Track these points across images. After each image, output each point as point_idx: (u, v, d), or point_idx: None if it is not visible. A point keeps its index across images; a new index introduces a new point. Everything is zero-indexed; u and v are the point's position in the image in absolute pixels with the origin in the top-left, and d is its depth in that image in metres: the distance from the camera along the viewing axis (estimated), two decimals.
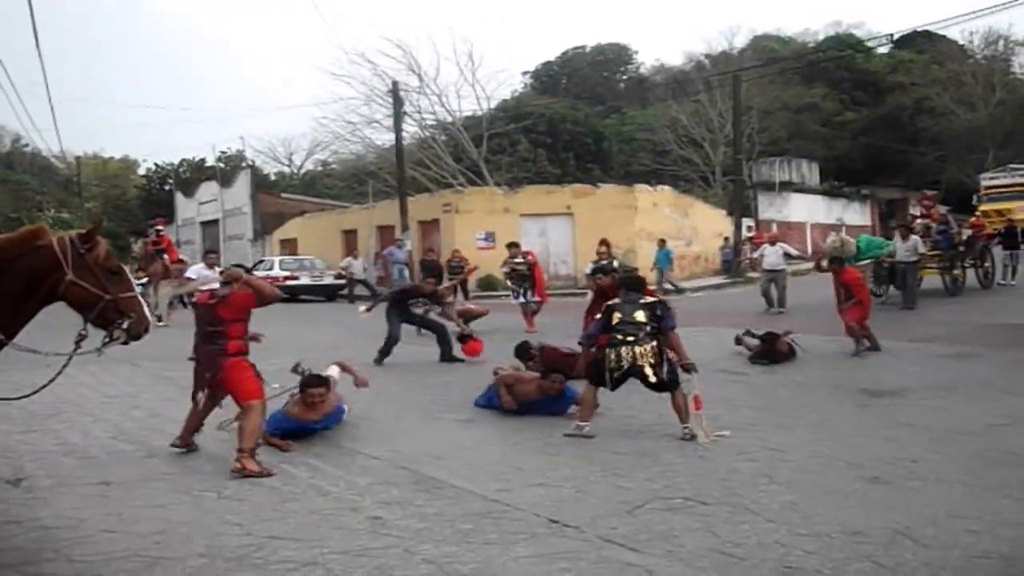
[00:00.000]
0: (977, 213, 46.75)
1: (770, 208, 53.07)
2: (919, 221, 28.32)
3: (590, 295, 19.98)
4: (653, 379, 10.42)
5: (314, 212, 55.81)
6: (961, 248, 27.73)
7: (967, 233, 28.64)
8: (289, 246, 51.87)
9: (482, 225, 39.20)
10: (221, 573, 6.42)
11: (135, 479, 8.93)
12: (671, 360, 10.66)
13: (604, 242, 23.00)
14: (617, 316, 10.76)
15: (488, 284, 35.95)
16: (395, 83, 45.40)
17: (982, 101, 73.71)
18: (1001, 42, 79.50)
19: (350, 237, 47.38)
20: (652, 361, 10.41)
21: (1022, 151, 70.18)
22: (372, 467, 9.36)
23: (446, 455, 9.81)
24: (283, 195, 62.90)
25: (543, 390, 11.89)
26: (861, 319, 16.80)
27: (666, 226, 40.18)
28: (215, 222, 63.36)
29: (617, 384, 10.68)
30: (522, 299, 22.82)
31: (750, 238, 43.97)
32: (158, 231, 29.00)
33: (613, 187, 43.76)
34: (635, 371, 10.42)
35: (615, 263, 21.72)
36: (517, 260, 23.21)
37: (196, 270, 18.74)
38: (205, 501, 8.18)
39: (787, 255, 26.79)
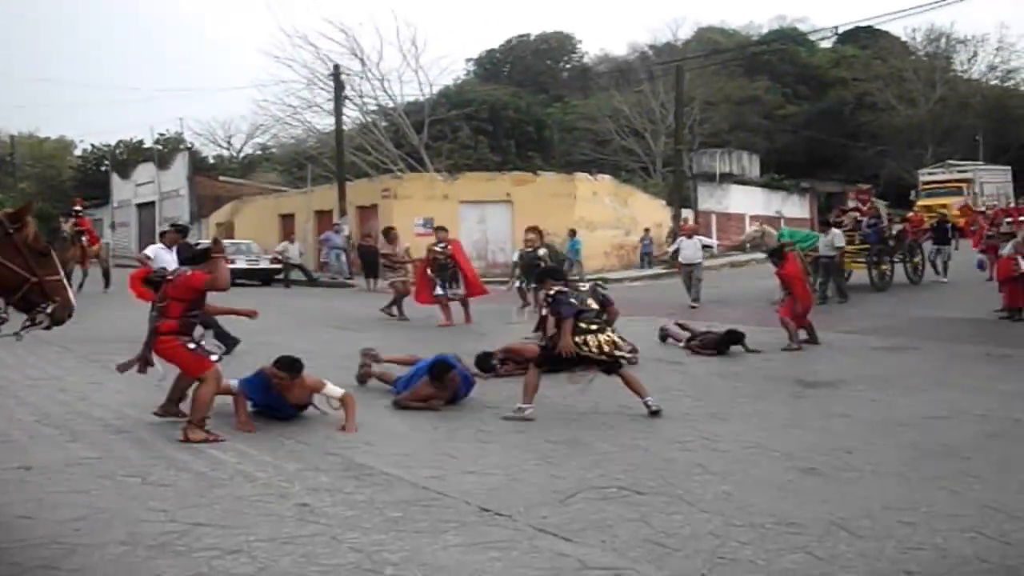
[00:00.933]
0: (916, 208, 47.25)
1: (710, 199, 53.21)
2: (849, 214, 28.06)
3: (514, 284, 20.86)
4: (606, 363, 10.82)
5: (252, 196, 55.29)
6: (891, 243, 27.53)
7: (897, 228, 28.20)
8: (226, 229, 51.32)
9: (421, 211, 38.90)
10: (141, 561, 6.22)
11: (57, 464, 8.65)
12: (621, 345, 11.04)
13: (533, 229, 22.48)
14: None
15: None
16: (337, 67, 44.98)
17: (923, 97, 74.45)
18: (943, 39, 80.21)
19: (287, 222, 46.98)
20: (608, 349, 10.71)
21: (961, 148, 71.18)
22: (301, 453, 9.18)
23: (377, 441, 9.66)
24: (221, 178, 62.27)
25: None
26: (799, 314, 16.66)
27: (606, 215, 40.22)
28: (151, 204, 62.59)
29: (566, 368, 11.10)
30: (439, 290, 20.95)
31: (678, 227, 42.44)
32: (76, 212, 28.30)
33: (553, 175, 43.71)
34: (590, 359, 10.74)
35: (543, 251, 21.36)
36: (438, 247, 21.43)
37: (154, 250, 18.30)
38: (128, 487, 7.95)
39: (705, 247, 26.45)
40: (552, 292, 11.09)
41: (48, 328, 7.13)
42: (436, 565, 6.15)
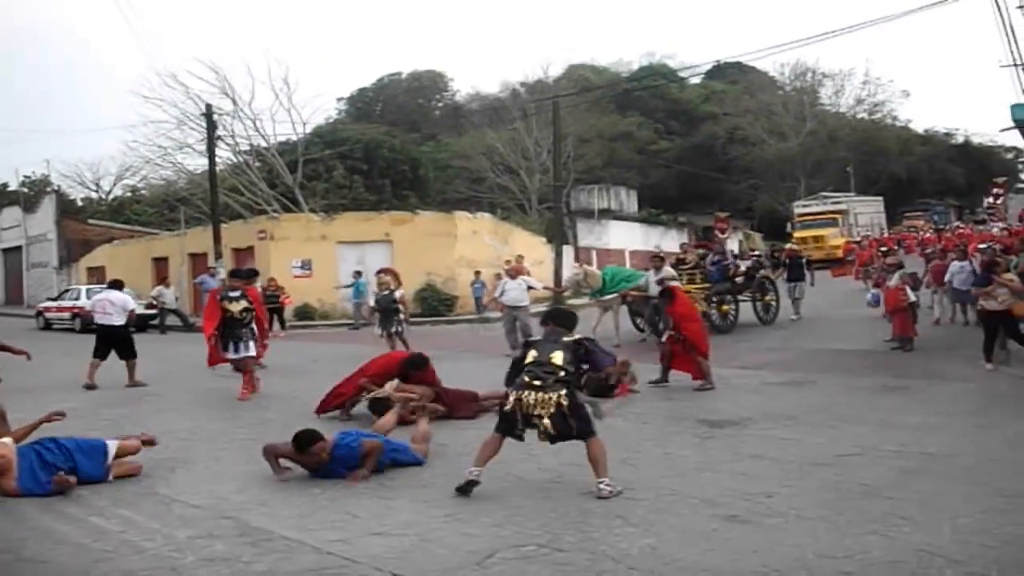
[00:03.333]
0: (793, 240, 47.84)
1: (589, 235, 53.30)
2: (693, 252, 27.12)
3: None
4: (552, 431, 9.07)
5: (123, 239, 53.91)
6: (738, 280, 26.02)
7: (746, 264, 26.92)
8: (97, 274, 49.82)
9: (299, 253, 38.33)
10: None
11: None
12: (583, 407, 9.28)
13: (387, 271, 21.80)
14: (532, 355, 9.49)
15: (305, 313, 35.13)
16: (209, 106, 44.10)
17: (793, 131, 76.30)
18: (810, 74, 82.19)
19: (161, 265, 45.78)
20: (552, 411, 9.01)
21: (832, 180, 72.95)
22: (192, 517, 8.53)
23: (272, 500, 9.07)
24: (90, 221, 60.64)
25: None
26: (700, 353, 15.93)
27: (486, 254, 39.83)
28: (18, 249, 60.74)
29: (515, 433, 9.31)
30: (232, 353, 16.62)
31: (504, 271, 39.15)
32: None
33: (432, 214, 43.34)
34: (530, 421, 9.10)
35: (399, 293, 20.76)
36: (230, 295, 16.85)
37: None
38: (1, 566, 7.27)
39: (530, 288, 23.68)
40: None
41: None
42: None
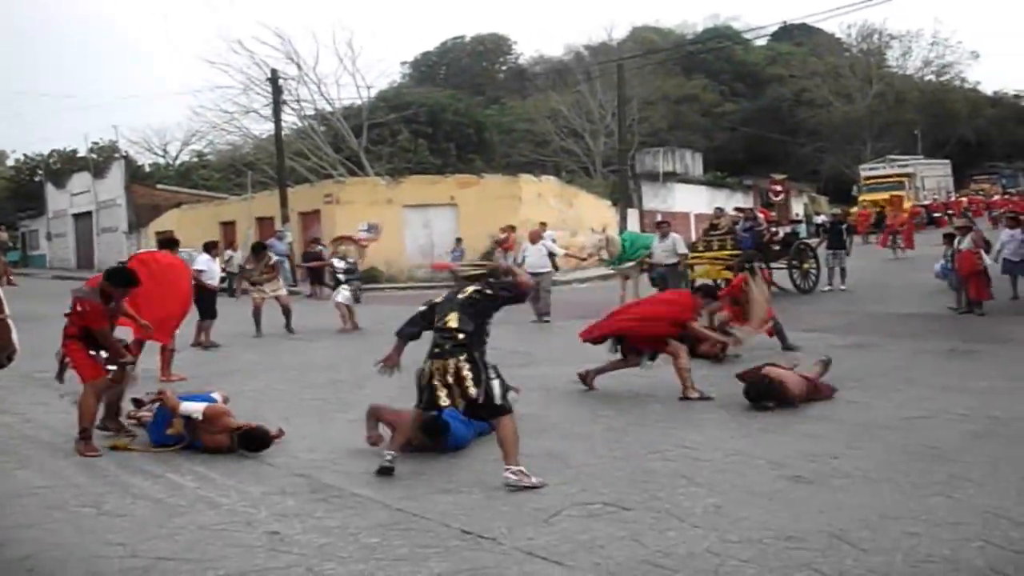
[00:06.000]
0: (863, 202, 47.31)
1: (654, 198, 53.03)
2: (727, 216, 26.71)
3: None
4: (445, 402, 8.33)
5: (191, 203, 54.44)
6: (775, 248, 25.46)
7: (785, 231, 26.51)
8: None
9: (365, 216, 38.49)
10: None
11: (3, 495, 8.17)
12: (487, 373, 8.35)
13: (345, 239, 21.79)
14: (437, 319, 8.67)
15: (371, 277, 35.35)
16: (274, 71, 44.43)
17: (859, 93, 75.47)
18: (876, 36, 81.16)
19: (229, 229, 46.22)
20: (451, 380, 8.23)
21: (899, 143, 71.98)
22: (265, 474, 8.71)
23: (343, 459, 9.19)
24: (158, 186, 61.29)
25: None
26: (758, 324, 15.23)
27: (551, 217, 39.79)
28: (88, 214, 61.50)
29: (432, 408, 8.55)
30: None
31: (498, 241, 37.05)
32: None
33: (497, 177, 43.33)
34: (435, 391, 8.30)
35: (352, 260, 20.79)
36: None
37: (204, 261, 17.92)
38: (83, 518, 7.47)
39: (552, 255, 23.14)
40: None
41: None
42: None
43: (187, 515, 7.49)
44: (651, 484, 8.04)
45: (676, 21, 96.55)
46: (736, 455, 8.98)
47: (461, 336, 8.35)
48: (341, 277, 21.34)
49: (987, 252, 20.55)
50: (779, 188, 29.68)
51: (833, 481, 8.04)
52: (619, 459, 8.95)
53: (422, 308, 8.90)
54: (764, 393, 11.08)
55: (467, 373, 8.20)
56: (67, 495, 8.10)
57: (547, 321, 21.49)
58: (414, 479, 8.37)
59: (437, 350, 8.34)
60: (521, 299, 9.26)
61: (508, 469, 8.06)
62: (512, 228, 32.69)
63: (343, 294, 20.99)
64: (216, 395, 10.37)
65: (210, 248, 19.11)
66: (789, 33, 78.82)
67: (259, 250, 21.01)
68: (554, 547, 6.55)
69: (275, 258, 21.79)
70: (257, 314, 19.98)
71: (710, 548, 6.45)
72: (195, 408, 9.57)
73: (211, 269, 18.41)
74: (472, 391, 8.17)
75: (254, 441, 9.43)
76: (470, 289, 8.77)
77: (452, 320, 8.44)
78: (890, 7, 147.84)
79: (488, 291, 8.72)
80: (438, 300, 8.86)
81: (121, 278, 10.09)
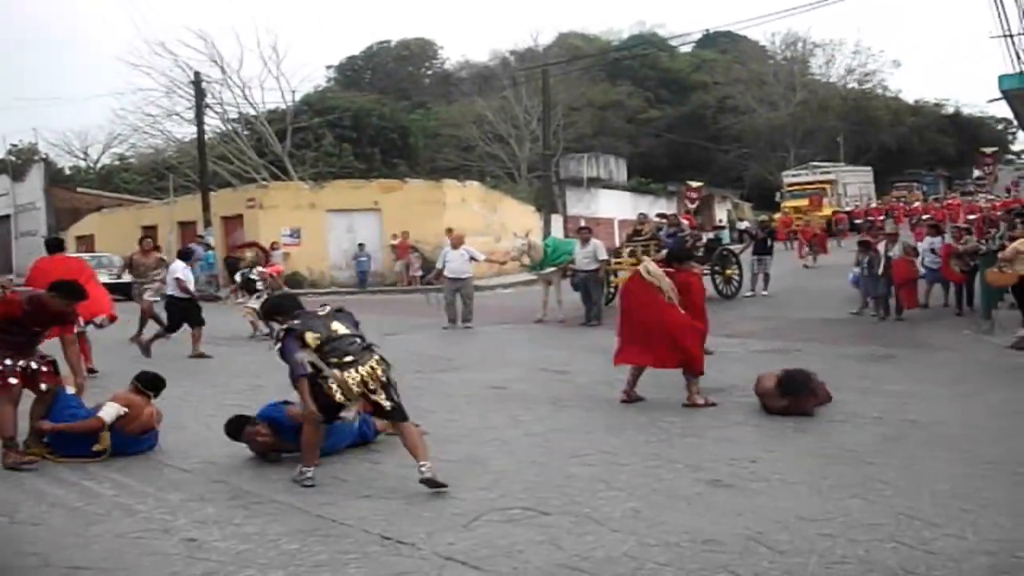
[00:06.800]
0: (785, 209, 47.94)
1: (578, 204, 53.29)
2: (651, 222, 26.74)
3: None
4: (388, 405, 8.23)
5: (112, 207, 53.84)
6: (697, 253, 23.53)
7: (708, 236, 26.74)
8: (86, 243, 49.78)
9: (288, 221, 38.44)
10: None
11: None
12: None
13: (251, 245, 21.86)
14: (312, 336, 8.22)
15: (295, 282, 35.15)
16: (197, 74, 44.09)
17: (783, 100, 76.53)
18: (800, 44, 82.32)
19: (150, 233, 45.68)
20: (384, 380, 8.21)
21: (822, 149, 73.10)
22: (183, 481, 8.65)
23: (262, 465, 9.14)
24: (79, 190, 60.51)
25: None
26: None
27: (475, 222, 39.87)
28: (6, 218, 60.55)
29: (330, 419, 8.48)
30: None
31: (393, 246, 39.15)
32: None
33: (421, 182, 43.47)
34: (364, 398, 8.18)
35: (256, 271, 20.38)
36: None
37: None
38: None
39: (473, 259, 22.75)
40: (280, 334, 8.46)
41: None
42: None
43: (104, 523, 7.42)
44: (570, 489, 8.10)
45: (602, 28, 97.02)
46: (655, 459, 9.08)
47: (359, 340, 8.34)
48: (259, 286, 20.46)
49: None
50: (694, 195, 29.95)
51: (751, 485, 8.17)
52: (539, 464, 9.00)
53: (282, 332, 8.39)
54: (801, 386, 11.12)
55: (389, 374, 8.26)
56: None
57: (469, 327, 21.52)
58: (334, 485, 8.35)
59: (349, 358, 8.12)
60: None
61: (423, 465, 8.01)
62: (450, 230, 32.80)
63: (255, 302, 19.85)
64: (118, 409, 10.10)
65: (186, 256, 19.03)
66: (714, 40, 79.67)
67: (143, 242, 20.58)
68: (473, 552, 6.59)
69: (164, 258, 21.44)
70: (144, 318, 19.20)
71: (628, 552, 6.53)
72: (115, 411, 9.49)
73: (187, 277, 18.28)
74: (394, 393, 8.24)
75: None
76: (327, 307, 8.73)
77: (340, 328, 8.36)
78: (814, 15, 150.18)
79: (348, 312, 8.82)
80: (294, 322, 8.39)
81: (75, 292, 9.91)
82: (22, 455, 9.15)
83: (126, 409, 9.54)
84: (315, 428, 8.39)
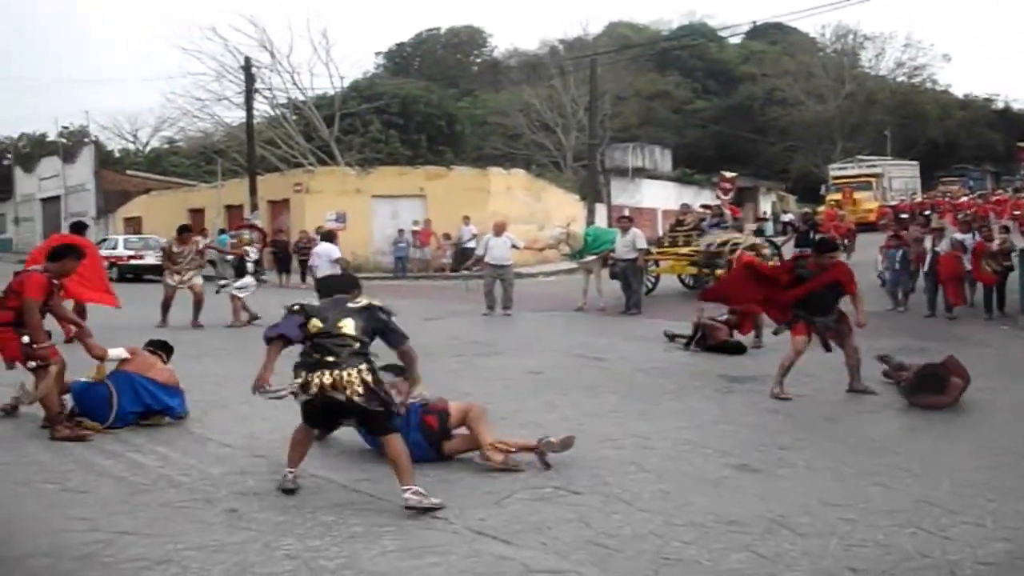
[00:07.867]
0: (831, 202, 47.61)
1: (623, 194, 53.37)
2: (694, 213, 26.89)
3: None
4: (362, 415, 7.63)
5: (160, 190, 54.39)
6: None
7: (749, 229, 26.59)
8: (134, 225, 50.43)
9: (333, 205, 38.74)
10: (67, 573, 5.98)
11: None
12: (388, 393, 7.66)
13: (251, 226, 22.39)
14: (316, 324, 7.74)
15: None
16: (247, 59, 44.51)
17: (831, 93, 76.00)
18: (850, 36, 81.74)
19: (197, 216, 46.25)
20: (360, 391, 7.42)
21: (869, 143, 72.51)
22: (226, 455, 8.94)
23: None
24: (128, 172, 61.20)
25: None
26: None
27: (519, 210, 40.06)
28: (56, 199, 61.40)
29: (324, 424, 8.20)
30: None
31: (415, 232, 39.08)
32: None
33: (466, 170, 43.57)
34: (335, 405, 7.52)
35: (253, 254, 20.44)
36: None
37: None
38: (47, 494, 7.66)
39: (515, 247, 22.79)
40: (295, 306, 8.07)
41: None
42: (375, 572, 6.01)
43: (149, 492, 7.70)
44: (601, 470, 8.31)
45: (652, 17, 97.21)
46: (686, 444, 9.28)
47: (358, 345, 7.62)
48: (250, 267, 20.46)
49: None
50: (728, 186, 29.74)
51: (778, 470, 8.36)
52: (572, 447, 9.17)
53: (294, 307, 8.05)
54: (939, 383, 11.18)
55: (370, 379, 7.49)
56: (30, 472, 8.27)
57: (509, 314, 21.73)
58: (372, 461, 8.57)
59: (332, 359, 7.49)
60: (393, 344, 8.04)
61: (408, 490, 7.27)
62: (466, 218, 33.12)
63: (245, 287, 20.01)
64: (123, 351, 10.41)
65: (329, 237, 21.26)
66: (764, 32, 79.24)
67: (184, 232, 20.35)
68: (504, 527, 6.82)
69: (203, 243, 21.79)
70: (166, 304, 19.41)
71: (654, 530, 6.74)
72: (118, 351, 10.10)
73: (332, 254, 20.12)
74: (375, 405, 7.48)
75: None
76: (364, 300, 8.06)
77: (347, 327, 7.67)
78: (865, 8, 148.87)
79: (386, 318, 7.93)
80: (313, 303, 8.12)
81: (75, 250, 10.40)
82: (74, 430, 9.46)
83: (129, 355, 10.17)
84: (305, 430, 8.07)
